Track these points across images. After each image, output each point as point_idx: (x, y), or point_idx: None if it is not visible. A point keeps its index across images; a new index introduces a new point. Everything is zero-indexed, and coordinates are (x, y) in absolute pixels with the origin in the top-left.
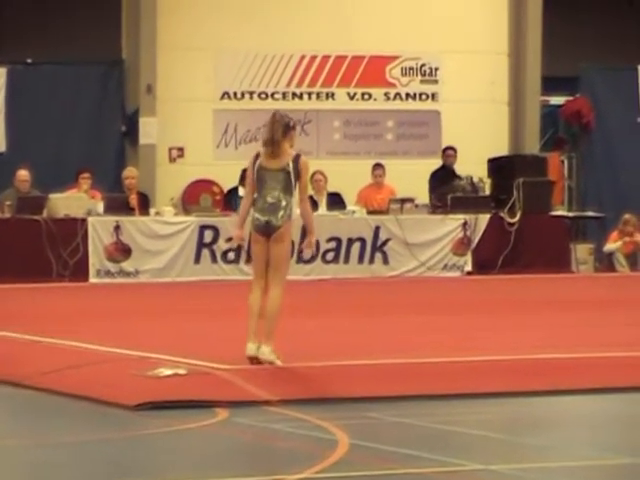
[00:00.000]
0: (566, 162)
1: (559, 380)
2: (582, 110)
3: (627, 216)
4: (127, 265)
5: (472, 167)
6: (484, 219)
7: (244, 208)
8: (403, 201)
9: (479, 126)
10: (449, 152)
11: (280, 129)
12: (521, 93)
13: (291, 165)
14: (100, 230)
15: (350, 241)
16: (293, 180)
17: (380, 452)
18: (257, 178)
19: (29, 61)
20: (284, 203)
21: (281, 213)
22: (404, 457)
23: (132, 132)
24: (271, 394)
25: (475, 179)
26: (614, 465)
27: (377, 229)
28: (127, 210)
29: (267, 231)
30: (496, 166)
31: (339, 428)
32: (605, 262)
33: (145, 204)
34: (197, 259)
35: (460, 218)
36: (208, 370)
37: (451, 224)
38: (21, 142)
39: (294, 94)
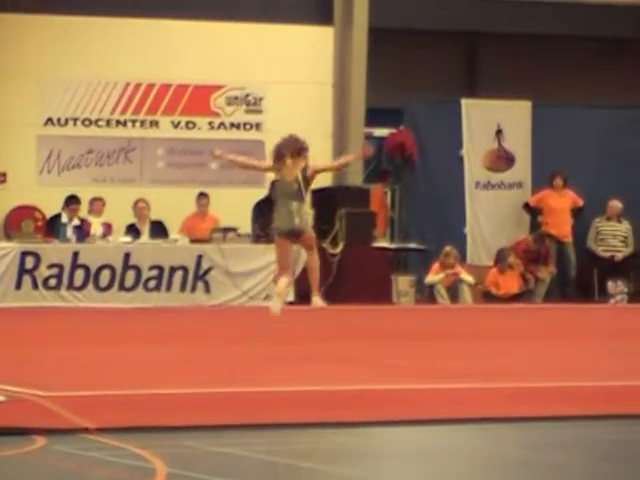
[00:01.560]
0: (389, 194)
1: (384, 411)
2: (405, 142)
3: (448, 248)
4: None
5: None
6: None
7: (251, 162)
8: (226, 230)
9: None
10: None
11: (290, 148)
12: (345, 124)
13: (300, 176)
14: None
15: (172, 269)
16: (303, 189)
17: None
18: (276, 189)
19: None
20: (297, 208)
21: (297, 220)
22: None
23: None
24: (90, 422)
25: None
26: None
27: (199, 258)
28: None
29: (292, 234)
30: (319, 197)
31: (157, 457)
32: (426, 294)
33: None
34: (18, 285)
35: None
36: (27, 397)
37: (272, 254)
38: None
39: (118, 121)
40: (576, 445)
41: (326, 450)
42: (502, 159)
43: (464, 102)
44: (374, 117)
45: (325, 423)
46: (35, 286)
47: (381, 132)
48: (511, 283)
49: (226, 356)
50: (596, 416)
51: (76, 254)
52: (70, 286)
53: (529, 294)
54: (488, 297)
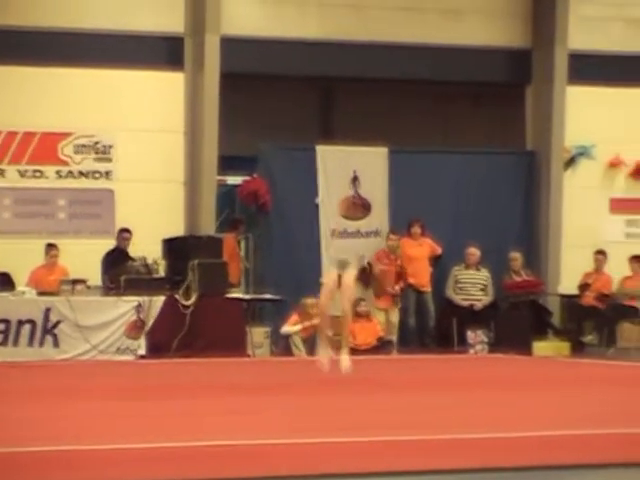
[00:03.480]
0: (243, 243)
1: (235, 466)
2: (259, 190)
3: (309, 300)
4: None
5: (147, 248)
6: (158, 301)
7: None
8: (75, 282)
9: (154, 206)
10: (125, 235)
11: None
12: (197, 172)
13: None
14: None
15: (20, 323)
16: None
17: None
18: None
19: None
20: None
21: None
22: None
23: None
24: None
25: (149, 260)
26: None
27: (47, 311)
28: None
29: None
30: (171, 247)
31: None
32: (282, 345)
33: None
34: None
35: (134, 300)
36: None
37: (124, 306)
38: None
39: None
40: None
41: None
42: (358, 206)
43: (319, 148)
44: (228, 164)
45: None
46: None
47: (234, 180)
48: (368, 333)
49: (73, 412)
50: (447, 470)
51: None
52: None
53: (388, 345)
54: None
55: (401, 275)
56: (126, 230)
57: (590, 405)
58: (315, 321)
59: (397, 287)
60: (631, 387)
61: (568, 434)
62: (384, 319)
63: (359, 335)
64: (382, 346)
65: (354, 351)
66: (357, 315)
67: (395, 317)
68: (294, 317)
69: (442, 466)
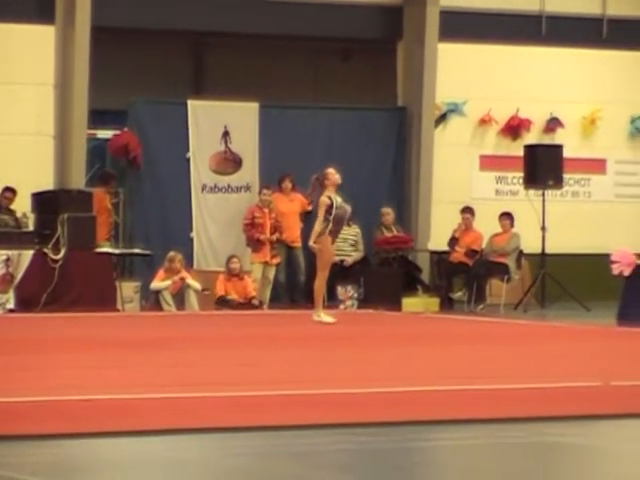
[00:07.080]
0: (113, 197)
1: (104, 421)
2: (129, 144)
3: (171, 253)
4: None
5: (16, 201)
6: (27, 255)
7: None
8: None
9: (24, 159)
10: (7, 194)
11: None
12: (67, 126)
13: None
14: None
15: None
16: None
17: None
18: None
19: None
20: None
21: None
22: None
23: None
24: None
25: (19, 214)
26: None
27: None
28: None
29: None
30: (40, 201)
31: None
32: (151, 300)
33: None
34: None
35: (2, 254)
36: None
37: None
38: None
39: None
40: (299, 454)
41: (44, 463)
42: (229, 161)
43: (190, 103)
44: (98, 118)
45: (42, 435)
46: None
47: (105, 134)
48: (239, 289)
49: None
50: (320, 425)
51: None
52: None
53: (258, 305)
54: (221, 303)
55: (277, 228)
56: (9, 189)
57: (452, 361)
58: (182, 275)
59: (273, 237)
60: (497, 344)
61: (428, 390)
62: (260, 275)
63: (231, 291)
64: (252, 305)
65: (230, 306)
66: (229, 273)
67: (271, 273)
68: (160, 273)
69: (311, 421)
